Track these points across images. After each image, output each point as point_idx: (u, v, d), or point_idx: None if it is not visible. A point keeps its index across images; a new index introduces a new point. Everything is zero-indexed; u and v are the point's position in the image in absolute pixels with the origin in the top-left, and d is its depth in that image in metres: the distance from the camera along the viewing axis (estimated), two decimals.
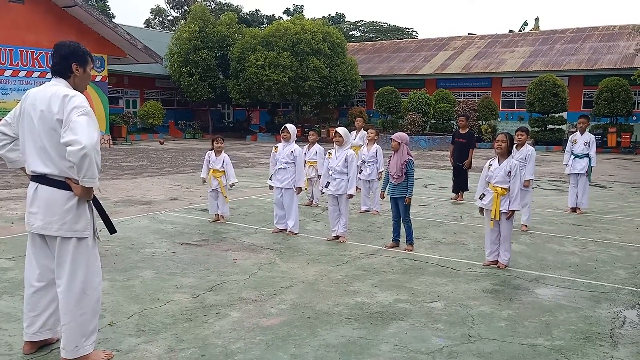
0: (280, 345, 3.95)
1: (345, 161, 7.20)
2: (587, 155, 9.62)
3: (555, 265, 6.22)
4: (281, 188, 7.65)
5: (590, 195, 10.13)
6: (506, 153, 6.17)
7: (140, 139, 29.62)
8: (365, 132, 10.30)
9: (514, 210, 6.07)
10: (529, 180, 8.17)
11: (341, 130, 7.34)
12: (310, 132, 10.19)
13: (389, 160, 6.99)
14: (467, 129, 11.32)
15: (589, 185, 9.95)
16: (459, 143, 11.15)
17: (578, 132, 9.82)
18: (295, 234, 7.59)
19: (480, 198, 6.23)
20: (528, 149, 8.27)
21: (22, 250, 6.39)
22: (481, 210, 6.30)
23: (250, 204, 10.17)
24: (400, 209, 6.85)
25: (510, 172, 6.05)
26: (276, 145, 7.88)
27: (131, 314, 4.50)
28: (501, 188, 6.05)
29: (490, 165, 6.21)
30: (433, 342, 4.05)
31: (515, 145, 8.25)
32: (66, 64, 3.56)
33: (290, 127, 7.83)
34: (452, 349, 3.94)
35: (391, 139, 7.00)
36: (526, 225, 8.13)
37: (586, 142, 9.65)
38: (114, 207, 9.50)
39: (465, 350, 3.91)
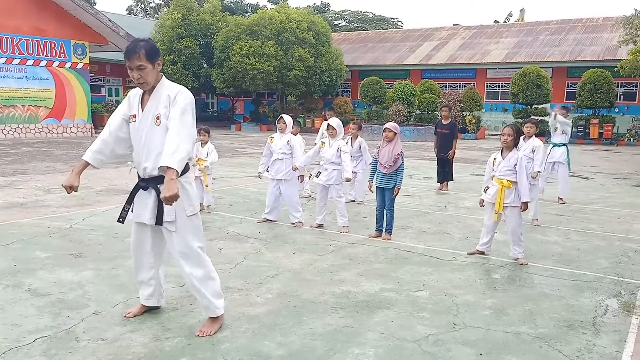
0: (266, 334, 3.94)
1: (338, 151, 7.23)
2: (565, 145, 9.55)
3: (539, 255, 6.29)
4: (278, 180, 7.53)
5: (572, 186, 10.23)
6: (512, 147, 5.98)
7: None
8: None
9: (526, 202, 5.90)
10: (537, 172, 7.92)
11: (334, 122, 7.32)
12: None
13: (378, 150, 6.96)
14: (450, 120, 11.30)
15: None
16: (441, 134, 11.16)
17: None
18: (302, 224, 7.49)
19: (485, 191, 6.10)
20: (535, 141, 8.07)
21: (6, 239, 6.32)
22: (481, 202, 6.19)
23: (235, 193, 10.13)
24: (387, 198, 6.86)
25: (516, 164, 5.90)
26: (272, 135, 7.81)
27: (116, 303, 4.47)
28: (507, 180, 5.90)
29: (494, 159, 6.06)
30: (418, 330, 4.08)
31: (522, 137, 7.87)
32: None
33: (286, 117, 7.68)
34: (438, 337, 3.97)
35: (386, 128, 6.85)
36: (537, 219, 7.94)
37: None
38: (97, 196, 9.40)
39: (450, 338, 3.95)
